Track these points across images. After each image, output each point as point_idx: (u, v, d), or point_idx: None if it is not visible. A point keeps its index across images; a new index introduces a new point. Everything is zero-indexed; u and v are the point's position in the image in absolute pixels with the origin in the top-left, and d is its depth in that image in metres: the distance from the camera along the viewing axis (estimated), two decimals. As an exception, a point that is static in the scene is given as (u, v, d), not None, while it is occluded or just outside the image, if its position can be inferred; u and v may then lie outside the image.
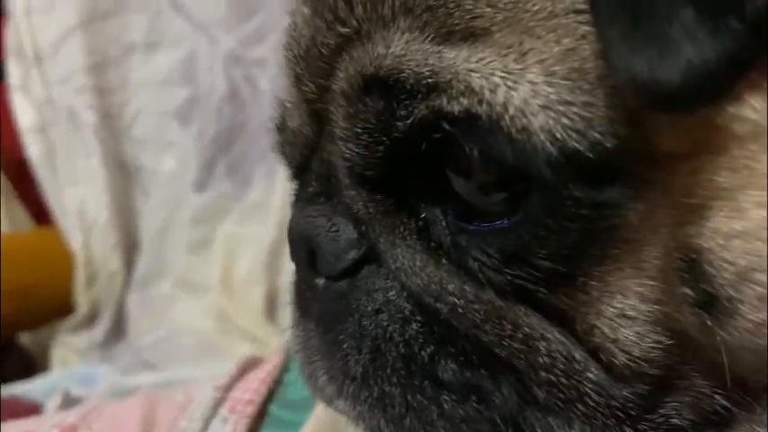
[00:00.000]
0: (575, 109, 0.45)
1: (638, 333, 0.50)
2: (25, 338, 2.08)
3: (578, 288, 0.50)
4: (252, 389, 0.92)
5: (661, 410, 0.52)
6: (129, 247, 2.01)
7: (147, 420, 0.90)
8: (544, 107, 0.46)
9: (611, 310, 0.50)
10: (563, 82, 0.46)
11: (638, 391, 0.51)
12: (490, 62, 0.47)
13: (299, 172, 0.64)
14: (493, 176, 0.49)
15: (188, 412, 0.92)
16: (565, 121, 0.45)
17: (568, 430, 0.52)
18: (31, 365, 1.96)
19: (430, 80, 0.48)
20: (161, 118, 2.03)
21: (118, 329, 1.96)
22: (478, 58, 0.47)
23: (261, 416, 0.92)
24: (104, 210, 1.96)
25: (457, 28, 0.48)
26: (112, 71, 2.00)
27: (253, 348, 1.74)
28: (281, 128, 0.64)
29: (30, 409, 1.36)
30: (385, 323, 0.55)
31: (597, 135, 0.45)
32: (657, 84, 0.42)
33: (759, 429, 0.53)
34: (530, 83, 0.46)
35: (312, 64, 0.56)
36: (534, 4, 0.47)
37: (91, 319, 1.98)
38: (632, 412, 0.51)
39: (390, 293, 0.55)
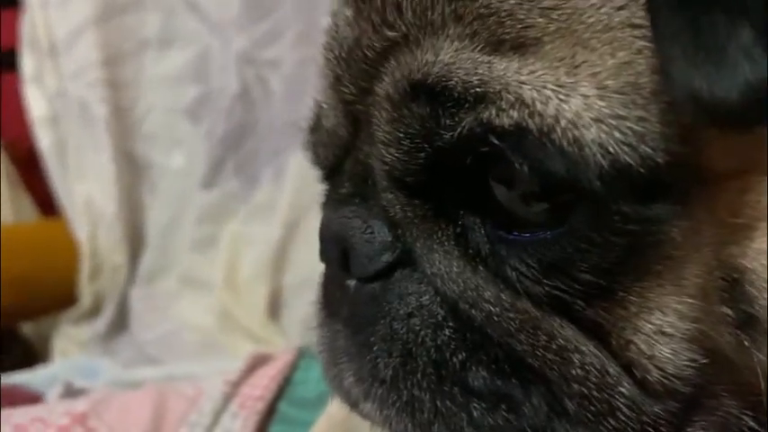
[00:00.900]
0: (627, 123, 0.46)
1: (674, 350, 0.50)
2: (27, 328, 2.09)
3: (617, 302, 0.50)
4: (262, 385, 0.93)
5: (689, 429, 0.52)
6: (135, 242, 2.02)
7: (157, 412, 0.91)
8: (596, 120, 0.46)
9: (650, 326, 0.50)
10: (616, 96, 0.46)
11: (669, 408, 0.51)
12: (542, 74, 0.47)
13: (331, 173, 0.63)
14: (538, 187, 0.49)
15: (198, 406, 0.92)
16: (617, 134, 0.46)
17: None
18: (32, 355, 1.97)
19: (479, 89, 0.48)
20: (172, 115, 2.04)
21: (120, 323, 1.97)
22: (529, 71, 0.47)
23: (270, 413, 0.92)
24: (112, 203, 1.97)
25: (508, 37, 0.48)
26: (125, 66, 2.01)
27: (254, 347, 1.75)
28: (316, 128, 0.63)
29: (30, 398, 1.37)
30: (417, 327, 0.55)
31: (649, 150, 0.46)
32: (716, 100, 0.42)
33: None
34: (582, 96, 0.46)
35: (354, 66, 0.56)
36: (590, 17, 0.47)
37: (93, 311, 1.99)
38: (662, 429, 0.52)
39: (424, 298, 0.55)
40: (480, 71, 0.48)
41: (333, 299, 0.61)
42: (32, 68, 2.01)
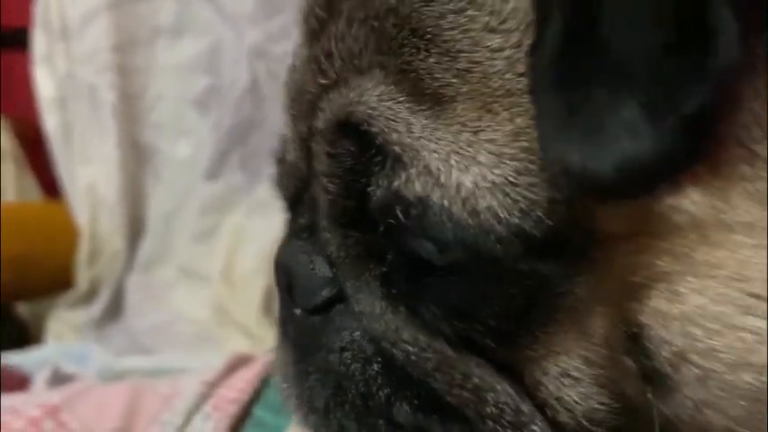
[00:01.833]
0: (520, 190, 0.47)
1: (581, 393, 0.51)
2: (22, 309, 2.09)
3: (525, 346, 0.51)
4: (238, 388, 0.93)
5: None
6: (135, 229, 2.01)
7: (130, 409, 0.91)
8: (491, 189, 0.48)
9: (556, 368, 0.51)
10: (510, 163, 0.48)
11: None
12: (448, 144, 0.49)
13: (292, 204, 0.65)
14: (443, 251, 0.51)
15: (172, 405, 0.92)
16: (509, 201, 0.47)
17: None
18: (25, 336, 1.97)
19: (395, 148, 0.50)
20: (180, 104, 2.04)
21: (115, 310, 1.97)
22: (437, 138, 0.49)
23: (244, 416, 0.92)
24: (114, 189, 1.97)
25: (427, 92, 0.50)
26: (137, 53, 2.00)
27: (248, 343, 1.75)
28: (281, 160, 0.65)
29: (19, 380, 1.37)
30: (349, 361, 0.57)
31: (539, 214, 0.47)
32: (589, 175, 0.43)
33: None
34: (480, 164, 0.48)
35: (302, 105, 0.58)
36: (495, 81, 0.49)
37: (90, 296, 1.99)
38: None
39: (356, 333, 0.57)
40: (399, 129, 0.50)
41: (283, 324, 0.64)
42: (43, 49, 2.01)
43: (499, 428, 0.52)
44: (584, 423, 0.51)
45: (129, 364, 1.56)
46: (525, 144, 0.47)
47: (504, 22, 0.49)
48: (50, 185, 2.13)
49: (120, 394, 0.94)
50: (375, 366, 0.56)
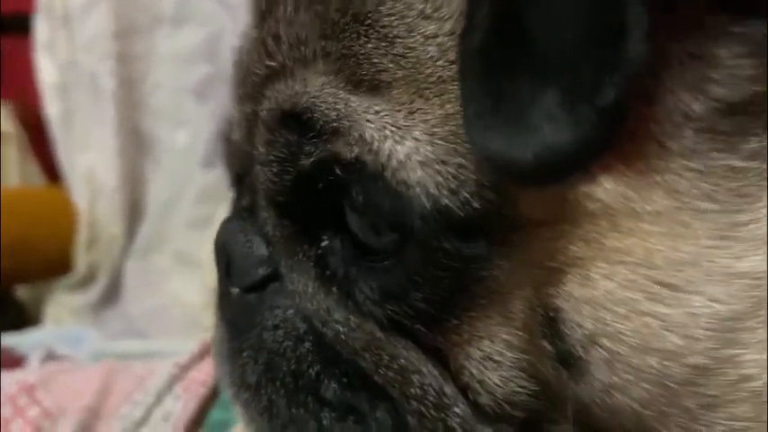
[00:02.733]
0: (449, 169, 0.49)
1: (502, 377, 0.52)
2: (22, 293, 2.12)
3: (451, 329, 0.53)
4: (208, 371, 0.95)
5: None
6: (134, 216, 2.04)
7: (103, 388, 0.93)
8: (422, 163, 0.49)
9: (479, 353, 0.53)
10: (441, 143, 0.49)
11: (501, 431, 0.54)
12: (384, 116, 0.51)
13: (237, 184, 0.67)
14: (380, 219, 0.53)
15: (144, 385, 0.94)
16: (439, 178, 0.49)
17: None
18: (24, 319, 2.00)
19: (334, 124, 0.52)
20: (180, 92, 2.06)
21: (112, 294, 2.00)
22: (375, 111, 0.51)
23: (213, 397, 0.94)
24: (114, 176, 2.00)
25: (365, 78, 0.52)
26: (138, 40, 2.02)
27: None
28: (228, 140, 0.67)
29: (13, 361, 1.40)
30: (281, 339, 0.59)
31: (467, 195, 0.49)
32: (511, 161, 0.45)
33: None
34: (414, 140, 0.50)
35: (248, 88, 0.60)
36: (428, 68, 0.50)
37: (88, 280, 2.02)
38: None
39: (288, 312, 0.59)
40: (339, 107, 0.52)
41: (221, 301, 0.65)
42: (46, 36, 2.03)
43: (422, 409, 0.54)
44: (505, 406, 0.53)
45: (122, 347, 1.60)
46: (454, 128, 0.49)
47: (438, 9, 0.50)
48: (53, 170, 2.16)
49: (95, 374, 0.97)
50: (306, 344, 0.58)
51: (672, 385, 0.50)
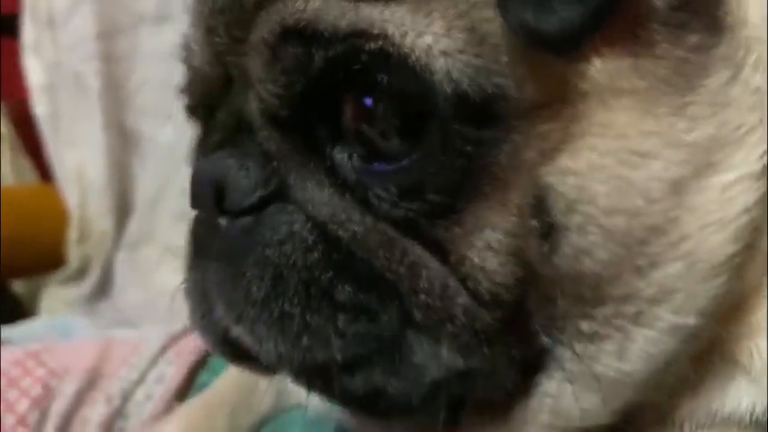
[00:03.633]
0: (467, 57, 0.57)
1: (500, 263, 0.60)
2: (17, 286, 2.17)
3: (455, 222, 0.60)
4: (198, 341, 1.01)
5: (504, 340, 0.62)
6: (123, 210, 2.09)
7: (102, 354, 0.99)
8: (444, 53, 0.57)
9: (481, 242, 0.60)
10: (459, 35, 0.57)
11: (496, 316, 0.61)
12: (401, 15, 0.58)
13: (202, 118, 0.70)
14: (396, 120, 0.59)
15: (139, 350, 1.00)
16: (459, 65, 0.57)
17: (438, 347, 0.61)
18: (20, 312, 2.05)
19: (347, 29, 0.58)
20: (165, 89, 2.10)
21: (105, 286, 2.05)
22: (392, 12, 0.58)
23: (202, 363, 1.00)
24: (102, 172, 2.04)
25: None
26: (121, 40, 2.06)
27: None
28: (188, 66, 0.71)
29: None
30: (288, 252, 0.62)
31: (481, 81, 0.57)
32: (540, 32, 0.55)
33: (568, 386, 0.65)
34: (433, 33, 0.57)
35: (229, 18, 0.64)
36: None
37: (80, 273, 2.07)
38: (490, 335, 0.61)
39: (295, 226, 0.62)
40: (347, 16, 0.58)
41: (202, 241, 0.68)
42: (32, 38, 2.08)
43: (429, 301, 0.60)
44: (501, 291, 0.60)
45: (114, 335, 1.64)
46: (469, 24, 0.57)
47: None
48: (46, 169, 2.20)
49: (92, 343, 1.03)
50: (315, 254, 0.61)
51: (631, 243, 0.60)
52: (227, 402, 0.92)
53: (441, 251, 0.61)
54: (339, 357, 0.61)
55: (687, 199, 0.61)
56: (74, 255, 2.06)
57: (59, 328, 1.68)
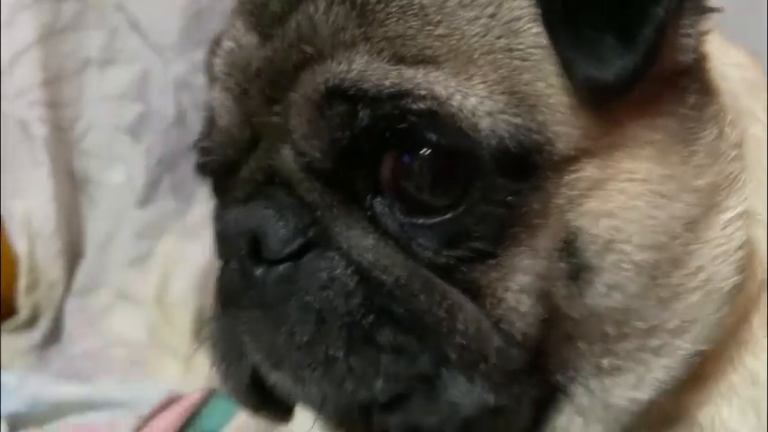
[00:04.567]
0: (507, 117, 0.63)
1: (532, 305, 0.65)
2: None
3: (492, 267, 0.64)
4: (170, 419, 1.02)
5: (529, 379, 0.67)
6: (72, 256, 2.09)
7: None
8: (488, 113, 0.63)
9: (516, 285, 0.64)
10: (500, 97, 0.63)
11: (523, 355, 0.66)
12: (445, 78, 0.63)
13: (225, 175, 0.72)
14: (437, 175, 0.64)
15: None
16: (502, 125, 0.62)
17: (471, 385, 0.65)
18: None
19: (392, 89, 0.62)
20: (112, 132, 2.11)
21: (55, 335, 2.03)
22: (435, 76, 0.63)
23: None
24: (50, 219, 2.04)
25: (409, 54, 0.63)
26: (67, 85, 2.07)
27: (178, 366, 1.82)
28: (209, 132, 0.73)
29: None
30: (330, 297, 0.64)
31: (521, 137, 0.63)
32: (603, 82, 0.62)
33: (578, 418, 0.71)
34: (477, 96, 0.63)
35: (265, 80, 0.68)
36: (476, 42, 0.64)
37: (31, 322, 2.05)
38: (518, 374, 0.66)
39: (336, 271, 0.65)
40: (391, 76, 0.63)
41: (233, 290, 0.69)
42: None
43: (464, 342, 0.64)
44: (530, 331, 0.65)
45: (61, 394, 1.62)
46: (508, 88, 0.63)
47: (475, 0, 0.65)
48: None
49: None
50: (357, 299, 0.64)
51: (657, 275, 0.67)
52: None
53: (477, 294, 0.65)
54: (381, 398, 0.64)
55: (700, 235, 0.69)
56: (24, 303, 2.05)
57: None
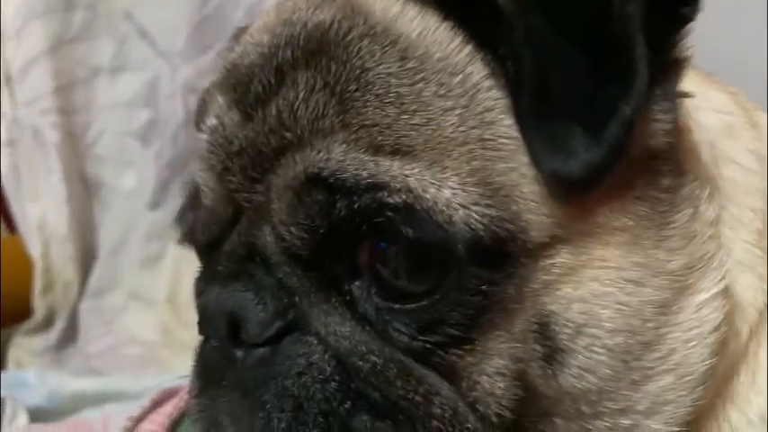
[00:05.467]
0: (481, 209, 0.63)
1: (507, 387, 0.65)
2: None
3: (468, 351, 0.65)
4: (158, 421, 1.06)
5: None
6: (86, 259, 2.14)
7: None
8: (462, 206, 0.63)
9: (491, 368, 0.65)
10: (473, 189, 0.64)
11: None
12: (420, 171, 0.64)
13: (208, 249, 0.73)
14: (412, 264, 0.64)
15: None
16: (476, 216, 0.63)
17: None
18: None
19: (369, 180, 0.63)
20: (123, 138, 2.16)
21: (70, 335, 2.09)
22: (411, 168, 0.64)
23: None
24: (64, 223, 2.10)
25: (386, 143, 0.64)
26: (78, 93, 2.13)
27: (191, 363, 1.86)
28: (193, 206, 0.74)
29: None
30: (307, 383, 0.65)
31: (495, 228, 0.64)
32: (568, 176, 0.63)
33: None
34: (450, 188, 0.64)
35: (246, 160, 0.69)
36: (451, 133, 0.65)
37: (46, 323, 2.10)
38: None
39: (314, 357, 0.65)
40: (368, 167, 0.64)
41: (212, 367, 0.70)
42: (-7, 96, 2.11)
43: (441, 426, 0.65)
44: (506, 413, 0.66)
45: (77, 385, 1.69)
46: (482, 179, 0.64)
47: (450, 90, 0.66)
48: (11, 222, 2.22)
49: (58, 428, 1.08)
50: (333, 384, 0.65)
51: (629, 359, 0.67)
52: None
53: (453, 377, 0.65)
54: None
55: (671, 318, 0.69)
56: (39, 305, 2.10)
57: (17, 383, 1.69)
